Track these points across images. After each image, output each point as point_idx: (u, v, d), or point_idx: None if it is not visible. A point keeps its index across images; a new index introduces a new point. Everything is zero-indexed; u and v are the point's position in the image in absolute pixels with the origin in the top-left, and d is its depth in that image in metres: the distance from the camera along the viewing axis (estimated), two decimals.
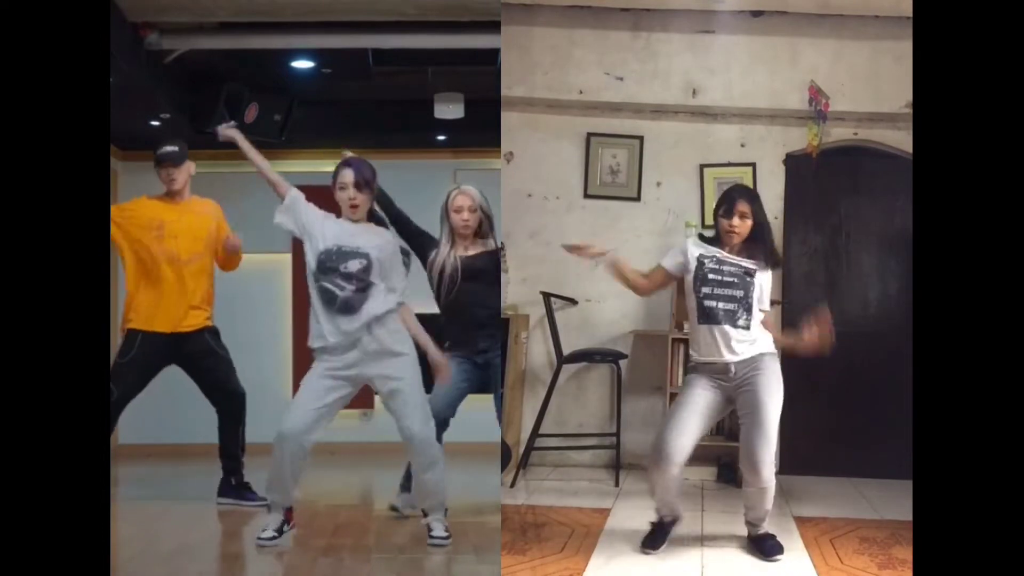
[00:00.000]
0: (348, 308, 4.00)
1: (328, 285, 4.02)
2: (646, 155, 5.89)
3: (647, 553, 3.99)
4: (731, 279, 3.90)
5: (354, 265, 4.04)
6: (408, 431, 4.03)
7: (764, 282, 3.95)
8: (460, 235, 4.62)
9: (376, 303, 4.02)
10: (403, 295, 4.12)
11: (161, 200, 5.27)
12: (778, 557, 3.93)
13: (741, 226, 3.90)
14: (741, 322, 3.88)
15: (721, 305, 3.88)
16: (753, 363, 3.89)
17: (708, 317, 3.90)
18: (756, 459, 3.85)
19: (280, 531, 4.17)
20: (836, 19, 5.72)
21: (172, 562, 4.12)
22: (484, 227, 4.66)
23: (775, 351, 3.97)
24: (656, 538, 4.06)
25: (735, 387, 3.91)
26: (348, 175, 4.19)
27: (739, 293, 3.89)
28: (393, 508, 4.74)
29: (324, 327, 4.03)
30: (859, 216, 5.85)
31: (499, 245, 4.75)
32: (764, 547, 3.99)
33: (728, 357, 3.89)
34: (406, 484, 4.73)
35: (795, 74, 5.78)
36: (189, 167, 5.29)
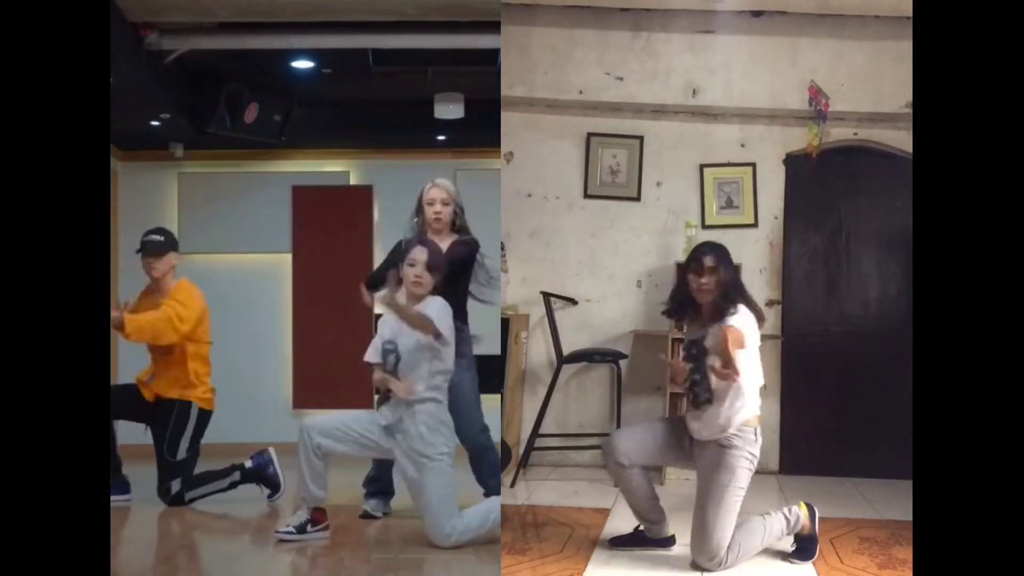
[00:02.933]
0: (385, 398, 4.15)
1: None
2: (646, 155, 5.90)
3: (612, 549, 4.01)
4: (687, 355, 3.84)
5: (390, 361, 4.14)
6: (423, 518, 4.14)
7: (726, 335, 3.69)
8: (433, 228, 4.62)
9: (407, 384, 4.09)
10: (435, 389, 4.14)
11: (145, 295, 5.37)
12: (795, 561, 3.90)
13: (710, 282, 3.77)
14: (702, 397, 3.79)
15: (694, 388, 3.82)
16: (719, 439, 3.79)
17: (688, 400, 3.88)
18: (701, 551, 3.75)
19: (302, 529, 4.19)
20: (836, 19, 5.72)
21: (172, 562, 4.12)
22: (459, 222, 4.67)
23: (747, 428, 3.78)
24: (627, 540, 4.06)
25: (698, 452, 3.87)
26: (421, 254, 4.16)
27: (692, 366, 3.80)
28: (365, 515, 4.77)
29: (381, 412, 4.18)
30: (859, 216, 5.85)
31: (500, 245, 4.75)
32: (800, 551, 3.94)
33: (695, 434, 3.85)
34: (371, 490, 4.80)
35: (795, 74, 5.78)
36: (171, 259, 5.28)
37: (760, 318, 3.82)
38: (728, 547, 3.74)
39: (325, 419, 4.22)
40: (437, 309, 4.07)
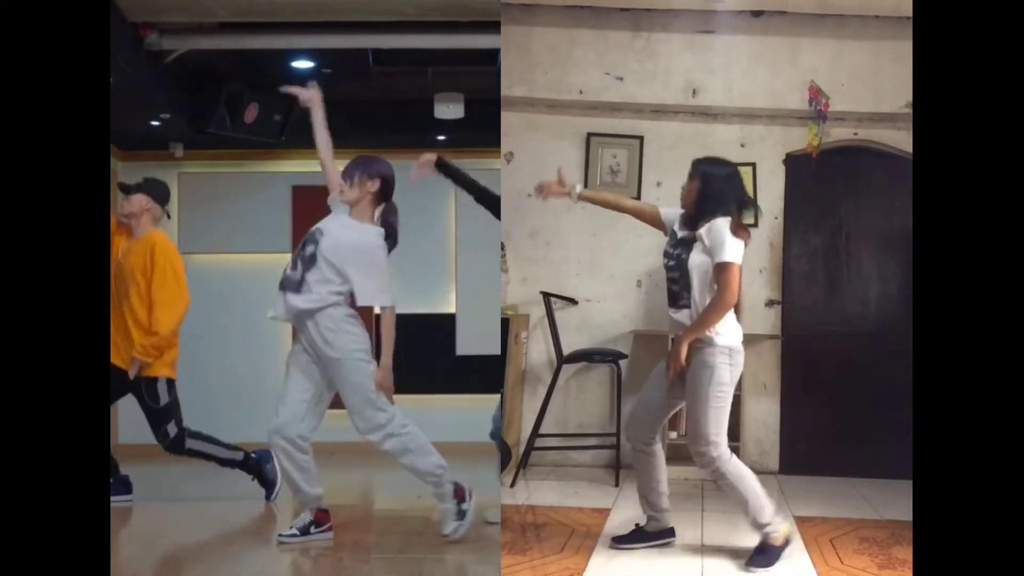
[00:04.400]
0: (285, 284, 4.16)
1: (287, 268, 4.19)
2: (646, 155, 5.90)
3: (614, 548, 4.02)
4: (672, 260, 3.90)
5: (309, 249, 4.15)
6: (357, 429, 4.14)
7: (709, 242, 3.80)
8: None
9: (304, 296, 4.10)
10: (351, 296, 4.11)
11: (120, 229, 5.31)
12: (757, 570, 3.82)
13: (688, 186, 3.94)
14: (682, 301, 3.86)
15: (672, 287, 3.90)
16: (693, 349, 3.82)
17: (668, 298, 3.93)
18: (694, 440, 3.82)
19: (305, 531, 4.19)
20: (836, 19, 5.73)
21: (172, 562, 4.12)
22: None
23: (717, 342, 3.81)
24: (628, 539, 4.08)
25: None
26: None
27: (676, 274, 3.87)
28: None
29: (274, 301, 4.20)
30: (859, 216, 5.85)
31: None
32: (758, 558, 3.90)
33: (675, 332, 3.91)
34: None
35: (795, 74, 5.79)
36: (142, 201, 5.25)
37: (743, 231, 3.84)
38: (723, 445, 3.79)
39: (281, 412, 4.16)
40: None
